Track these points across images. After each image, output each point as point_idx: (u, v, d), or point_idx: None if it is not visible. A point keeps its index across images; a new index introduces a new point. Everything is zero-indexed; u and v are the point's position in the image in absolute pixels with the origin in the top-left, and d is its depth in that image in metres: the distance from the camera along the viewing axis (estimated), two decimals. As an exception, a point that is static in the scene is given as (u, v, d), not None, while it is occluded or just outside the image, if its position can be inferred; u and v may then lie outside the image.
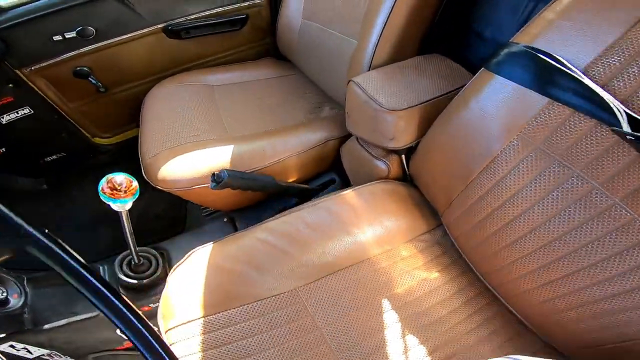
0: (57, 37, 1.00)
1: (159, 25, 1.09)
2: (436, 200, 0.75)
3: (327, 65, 1.03)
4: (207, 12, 1.13)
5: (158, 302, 0.65)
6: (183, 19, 1.11)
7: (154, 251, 0.94)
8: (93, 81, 1.09)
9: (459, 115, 0.66)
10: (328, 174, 1.01)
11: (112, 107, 1.20)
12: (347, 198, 0.78)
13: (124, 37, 1.07)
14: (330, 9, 0.99)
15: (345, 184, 0.96)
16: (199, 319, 0.60)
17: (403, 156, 0.81)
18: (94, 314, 0.83)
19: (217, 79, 1.16)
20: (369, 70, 0.84)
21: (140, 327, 0.36)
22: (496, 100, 0.60)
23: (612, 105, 0.46)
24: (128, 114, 1.21)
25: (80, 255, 0.41)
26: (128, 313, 0.36)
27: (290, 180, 0.96)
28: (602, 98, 0.47)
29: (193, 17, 1.12)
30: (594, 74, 0.49)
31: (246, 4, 1.16)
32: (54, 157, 1.24)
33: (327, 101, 1.10)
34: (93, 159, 1.31)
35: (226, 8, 1.14)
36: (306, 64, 1.13)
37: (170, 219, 1.22)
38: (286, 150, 0.93)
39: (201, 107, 1.04)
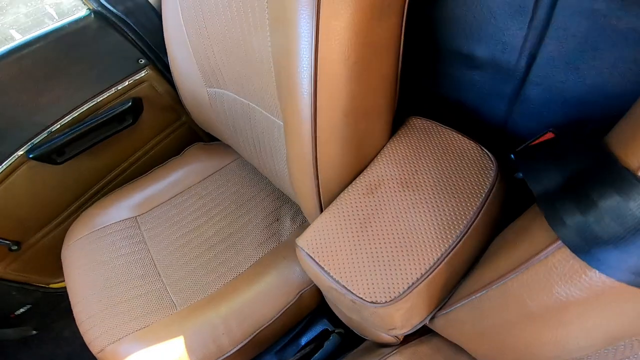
0: None
1: (20, 152, 0.77)
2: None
3: (263, 152, 0.68)
4: (72, 117, 0.78)
5: None
6: (45, 134, 0.78)
7: None
8: (-1, 242, 0.82)
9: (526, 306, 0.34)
10: (318, 322, 0.71)
11: (42, 257, 0.94)
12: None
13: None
14: (234, 74, 0.64)
15: (344, 329, 0.67)
16: None
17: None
18: None
19: (137, 201, 0.85)
20: (316, 183, 0.49)
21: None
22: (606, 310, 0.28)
23: None
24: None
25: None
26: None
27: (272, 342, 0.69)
28: None
29: (57, 127, 0.78)
30: None
31: (124, 84, 0.81)
32: (22, 310, 1.04)
33: (284, 203, 0.78)
34: (65, 301, 1.07)
35: (98, 101, 0.80)
36: (238, 145, 0.79)
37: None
38: (251, 324, 0.67)
39: (132, 266, 0.76)
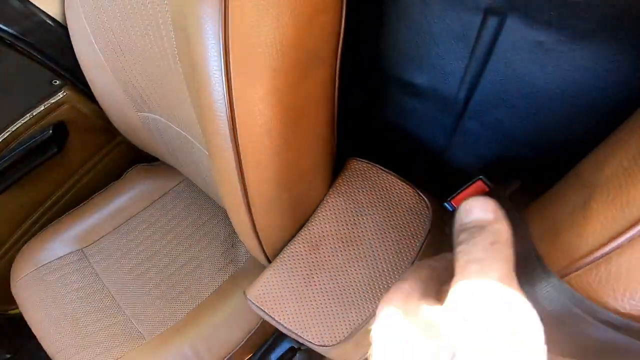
0: None
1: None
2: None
3: (207, 180, 0.64)
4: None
5: None
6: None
7: None
8: None
9: None
10: (285, 341, 0.72)
11: None
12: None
13: None
14: (159, 99, 0.57)
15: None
16: None
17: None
18: None
19: (80, 232, 0.79)
20: (259, 241, 0.47)
21: None
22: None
23: None
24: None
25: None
26: None
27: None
28: None
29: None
30: None
31: (40, 109, 0.71)
32: None
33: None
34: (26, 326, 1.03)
35: (13, 130, 0.70)
36: (181, 168, 0.74)
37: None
38: (221, 349, 0.67)
39: (89, 300, 0.74)
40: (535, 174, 0.41)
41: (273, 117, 0.34)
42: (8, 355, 1.09)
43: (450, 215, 0.42)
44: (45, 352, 1.06)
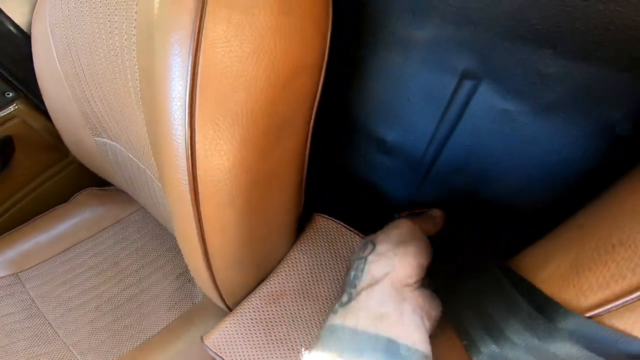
0: None
1: None
2: None
3: (165, 214, 0.60)
4: None
5: None
6: None
7: None
8: None
9: None
10: None
11: None
12: None
13: None
14: (118, 128, 0.54)
15: None
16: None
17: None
18: None
19: (16, 256, 0.72)
20: (218, 292, 0.44)
21: None
22: None
23: None
24: None
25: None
26: None
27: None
28: None
29: None
30: None
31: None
32: None
33: None
34: None
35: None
36: (138, 197, 0.69)
37: None
38: None
39: (23, 326, 0.66)
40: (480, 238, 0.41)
41: (239, 187, 0.32)
42: None
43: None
44: None
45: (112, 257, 0.72)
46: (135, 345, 0.65)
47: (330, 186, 0.57)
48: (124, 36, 0.39)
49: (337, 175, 0.56)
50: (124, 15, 0.39)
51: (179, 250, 0.73)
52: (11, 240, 0.73)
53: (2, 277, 0.70)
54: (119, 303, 0.68)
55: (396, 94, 0.45)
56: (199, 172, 0.30)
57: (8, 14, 0.61)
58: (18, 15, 0.62)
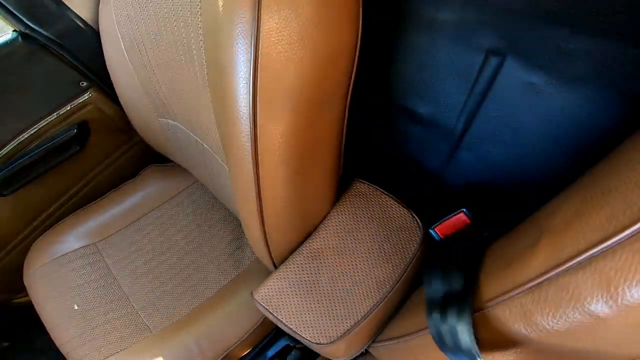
0: None
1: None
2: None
3: (219, 186, 0.68)
4: (12, 146, 0.74)
5: None
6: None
7: None
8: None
9: None
10: (280, 339, 0.76)
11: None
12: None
13: None
14: (181, 109, 0.62)
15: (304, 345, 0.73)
16: None
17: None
18: None
19: (95, 227, 0.83)
20: (268, 250, 0.51)
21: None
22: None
23: None
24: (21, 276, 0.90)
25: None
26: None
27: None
28: None
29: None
30: None
31: (67, 108, 0.76)
32: None
33: (244, 232, 0.79)
34: (31, 314, 1.06)
35: (40, 127, 0.75)
36: (194, 172, 0.78)
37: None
38: (223, 344, 0.71)
39: (100, 292, 0.77)
40: (514, 206, 0.45)
41: (291, 149, 0.39)
42: (6, 344, 1.12)
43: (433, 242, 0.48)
44: (42, 342, 1.10)
45: (173, 226, 0.82)
46: (193, 307, 0.74)
47: (366, 157, 0.62)
48: (190, 28, 0.46)
49: (373, 148, 0.61)
50: (188, 11, 0.46)
51: (230, 220, 0.82)
52: (89, 213, 0.85)
53: (84, 247, 0.82)
54: (179, 269, 0.78)
55: (427, 71, 0.49)
56: (259, 137, 0.37)
57: (75, 11, 0.69)
58: (84, 11, 0.70)
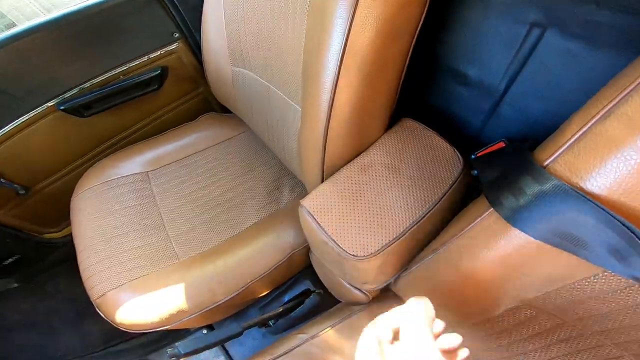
0: None
1: (50, 104, 0.84)
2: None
3: (275, 129, 0.77)
4: (105, 77, 0.86)
5: None
6: (76, 90, 0.85)
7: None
8: (7, 185, 0.87)
9: (466, 264, 0.45)
10: (302, 283, 0.80)
11: (46, 204, 0.99)
12: (327, 339, 0.59)
13: (12, 126, 0.82)
14: (261, 58, 0.73)
15: (323, 290, 0.77)
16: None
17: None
18: None
19: (150, 158, 0.92)
20: (323, 157, 0.59)
21: None
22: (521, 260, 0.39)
23: None
24: (67, 205, 0.95)
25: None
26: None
27: (260, 296, 0.78)
28: None
29: (88, 85, 0.86)
30: None
31: (157, 54, 0.89)
32: (10, 260, 1.06)
33: (285, 175, 0.87)
34: (54, 253, 1.13)
35: (131, 65, 0.88)
36: (251, 120, 0.88)
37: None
38: (244, 277, 0.74)
39: (140, 217, 0.83)
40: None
41: (367, 61, 0.48)
42: (16, 285, 1.14)
43: (477, 162, 0.53)
44: (52, 286, 1.12)
45: (220, 165, 0.90)
46: (222, 240, 0.79)
47: (413, 112, 0.71)
48: None
49: (419, 106, 0.70)
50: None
51: (273, 165, 0.90)
52: (149, 145, 0.95)
53: (137, 174, 0.90)
54: (218, 202, 0.85)
55: (477, 39, 0.59)
56: (348, 43, 0.46)
57: None
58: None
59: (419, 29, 0.54)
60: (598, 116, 0.33)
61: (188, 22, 0.89)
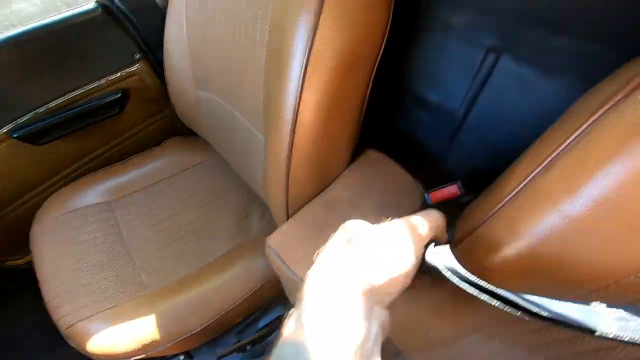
0: None
1: (2, 130, 0.79)
2: None
3: (242, 157, 0.76)
4: (61, 101, 0.82)
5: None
6: (31, 115, 0.80)
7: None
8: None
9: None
10: (275, 309, 0.79)
11: (5, 233, 0.93)
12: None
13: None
14: (226, 83, 0.71)
15: None
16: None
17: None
18: None
19: (113, 186, 0.89)
20: (286, 191, 0.58)
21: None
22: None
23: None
24: (28, 234, 0.90)
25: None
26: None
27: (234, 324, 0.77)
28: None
29: (43, 110, 0.81)
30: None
31: (117, 75, 0.86)
32: None
33: (254, 202, 0.85)
34: (19, 279, 1.04)
35: (89, 88, 0.84)
36: (218, 146, 0.86)
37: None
38: (216, 306, 0.73)
39: (105, 248, 0.80)
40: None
41: (325, 97, 0.48)
42: None
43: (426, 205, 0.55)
44: (24, 312, 1.06)
45: (188, 192, 0.88)
46: (192, 270, 0.77)
47: (376, 137, 0.71)
48: (259, 10, 0.56)
49: (383, 130, 0.71)
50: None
51: (243, 192, 0.88)
52: (110, 173, 0.91)
53: (100, 203, 0.86)
54: (187, 232, 0.83)
55: (437, 63, 0.60)
56: (305, 88, 0.46)
57: None
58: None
59: (379, 56, 0.54)
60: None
61: (149, 42, 0.86)
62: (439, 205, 0.56)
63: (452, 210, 0.51)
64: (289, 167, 0.53)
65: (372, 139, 0.70)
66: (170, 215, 0.85)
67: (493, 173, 0.60)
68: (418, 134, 0.66)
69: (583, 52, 0.45)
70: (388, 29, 0.52)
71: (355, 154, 0.64)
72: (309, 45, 0.44)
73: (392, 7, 0.50)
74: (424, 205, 0.59)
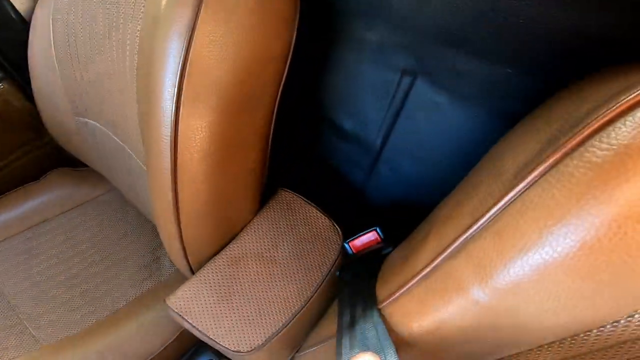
0: None
1: None
2: None
3: (138, 191, 0.65)
4: None
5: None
6: None
7: None
8: None
9: None
10: (203, 354, 0.71)
11: None
12: None
13: None
14: (106, 109, 0.60)
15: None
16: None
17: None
18: None
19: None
20: (182, 245, 0.50)
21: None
22: None
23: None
24: None
25: None
26: None
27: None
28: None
29: None
30: None
31: (-31, 99, 0.69)
32: None
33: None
34: None
35: None
36: (111, 177, 0.73)
37: None
38: (130, 358, 0.63)
39: None
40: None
41: (211, 146, 0.39)
42: None
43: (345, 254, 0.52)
44: None
45: (78, 235, 0.74)
46: (95, 320, 0.66)
47: (293, 166, 0.65)
48: (128, 25, 0.46)
49: (300, 157, 0.65)
50: (132, 7, 0.47)
51: (148, 230, 0.77)
52: (-24, 216, 0.74)
53: (-37, 254, 0.71)
54: (82, 279, 0.70)
55: (353, 87, 0.54)
56: (180, 129, 0.37)
57: (11, 1, 0.66)
58: (18, 4, 0.67)
59: (282, 86, 0.47)
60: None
61: (13, 60, 0.70)
62: (361, 257, 0.52)
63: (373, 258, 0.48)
64: (179, 230, 0.45)
65: (289, 167, 0.65)
66: (60, 261, 0.71)
67: (410, 209, 0.58)
68: (339, 163, 0.61)
69: (497, 77, 0.41)
70: (292, 50, 0.45)
71: (266, 196, 0.57)
72: (179, 69, 0.36)
73: (296, 23, 0.43)
74: (344, 254, 0.55)
